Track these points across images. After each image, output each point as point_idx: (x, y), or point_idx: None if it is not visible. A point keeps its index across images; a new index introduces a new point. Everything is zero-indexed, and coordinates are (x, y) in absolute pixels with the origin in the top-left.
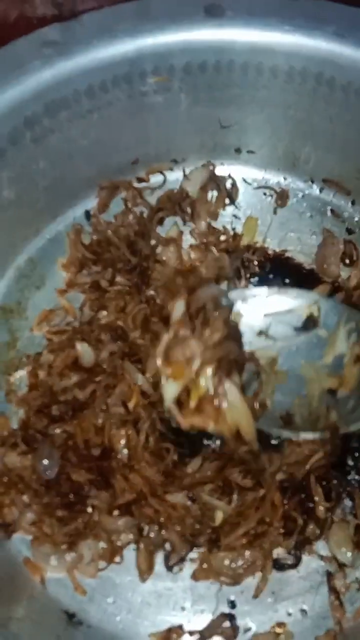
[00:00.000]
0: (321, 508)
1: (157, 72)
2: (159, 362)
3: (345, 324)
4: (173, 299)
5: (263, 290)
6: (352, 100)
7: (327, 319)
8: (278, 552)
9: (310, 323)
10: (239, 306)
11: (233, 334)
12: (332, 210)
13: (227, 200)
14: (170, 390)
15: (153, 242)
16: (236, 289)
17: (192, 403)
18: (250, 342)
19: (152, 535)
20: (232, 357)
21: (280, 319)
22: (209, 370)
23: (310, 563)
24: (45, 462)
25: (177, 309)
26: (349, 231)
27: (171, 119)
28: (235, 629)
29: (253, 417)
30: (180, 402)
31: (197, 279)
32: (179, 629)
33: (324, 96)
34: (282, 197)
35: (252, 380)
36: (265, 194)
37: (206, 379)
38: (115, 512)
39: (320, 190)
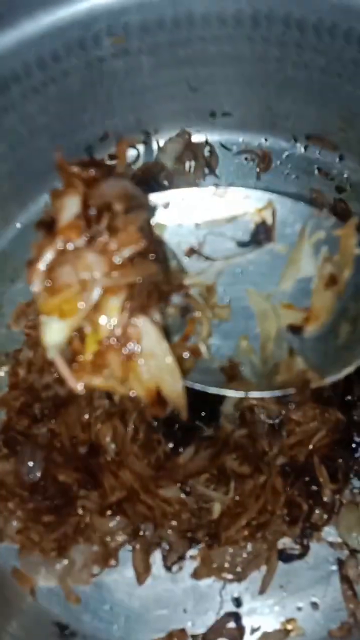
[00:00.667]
0: (327, 491)
1: (111, 32)
2: (35, 287)
3: (312, 235)
4: (63, 196)
5: (194, 191)
6: (326, 40)
7: (285, 228)
8: (283, 542)
9: (261, 235)
10: (161, 214)
11: (153, 249)
12: (318, 169)
13: (206, 170)
14: (54, 332)
15: None
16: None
17: (89, 352)
18: (177, 263)
19: (147, 534)
20: (151, 284)
21: (219, 230)
22: (114, 302)
23: (319, 551)
24: (30, 464)
25: (68, 207)
26: (339, 189)
27: (135, 85)
28: (241, 629)
29: (180, 372)
30: (72, 350)
31: (100, 169)
32: (181, 633)
33: (295, 40)
34: (264, 160)
35: (179, 318)
36: (246, 158)
37: (110, 316)
38: (107, 513)
39: (305, 148)
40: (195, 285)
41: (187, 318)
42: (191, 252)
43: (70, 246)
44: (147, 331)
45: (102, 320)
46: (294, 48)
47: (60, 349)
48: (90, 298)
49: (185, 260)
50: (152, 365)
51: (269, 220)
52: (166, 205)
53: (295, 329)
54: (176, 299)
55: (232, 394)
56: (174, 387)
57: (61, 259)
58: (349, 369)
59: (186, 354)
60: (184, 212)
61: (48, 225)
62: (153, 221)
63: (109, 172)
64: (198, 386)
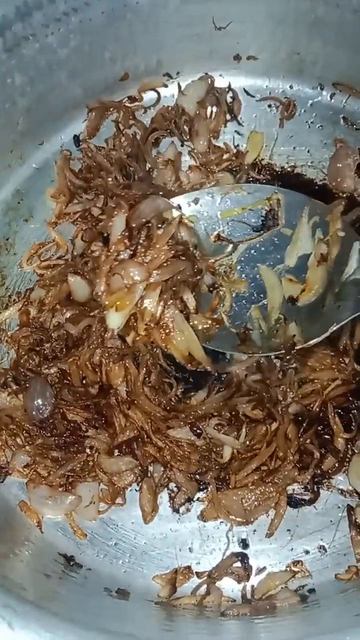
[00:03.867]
0: (340, 439)
1: None
2: (100, 291)
3: (309, 219)
4: (112, 215)
5: (216, 189)
6: None
7: (290, 215)
8: (293, 488)
9: (270, 220)
10: (192, 209)
11: (183, 250)
12: (344, 118)
13: (228, 116)
14: (114, 321)
15: (148, 166)
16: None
17: (141, 329)
18: (207, 248)
19: (155, 475)
20: (181, 278)
21: (237, 218)
22: (153, 295)
23: (328, 498)
24: (38, 401)
25: (117, 226)
26: None
27: (159, 21)
28: (247, 568)
29: (207, 338)
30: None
31: (140, 189)
32: (186, 570)
33: None
34: (288, 107)
35: (208, 293)
36: (270, 105)
37: (152, 305)
38: (116, 453)
39: (331, 97)
40: (220, 265)
41: (214, 293)
42: (217, 237)
43: (119, 258)
44: (175, 316)
45: (147, 308)
46: None
47: (120, 330)
48: (135, 296)
49: (212, 245)
50: (181, 338)
51: (276, 207)
52: (196, 201)
53: (293, 301)
54: (206, 278)
55: (242, 354)
56: (198, 352)
57: (113, 269)
58: (327, 334)
59: (209, 325)
60: (209, 206)
61: (105, 239)
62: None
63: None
64: (219, 348)
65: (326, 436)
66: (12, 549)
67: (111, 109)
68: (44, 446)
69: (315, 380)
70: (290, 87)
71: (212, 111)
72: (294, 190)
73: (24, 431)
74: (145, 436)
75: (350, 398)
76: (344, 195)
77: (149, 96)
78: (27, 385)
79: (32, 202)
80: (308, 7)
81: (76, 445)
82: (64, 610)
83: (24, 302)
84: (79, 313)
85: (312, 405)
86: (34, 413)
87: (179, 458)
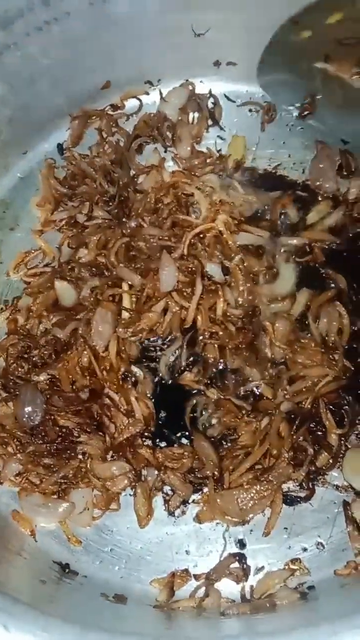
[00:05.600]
0: (333, 435)
1: None
2: None
3: None
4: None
5: None
6: None
7: None
8: (289, 486)
9: None
10: None
11: None
12: None
13: (209, 121)
14: None
15: (132, 172)
16: None
17: None
18: None
19: (149, 479)
20: None
21: None
22: None
23: (324, 495)
24: (29, 408)
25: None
26: (344, 141)
27: (139, 30)
28: (245, 569)
29: None
30: None
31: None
32: (183, 573)
33: None
34: (268, 111)
35: None
36: (250, 110)
37: None
38: (109, 457)
39: None
40: None
41: None
42: None
43: None
44: None
45: None
46: None
47: None
48: None
49: None
50: None
51: None
52: None
53: None
54: None
55: None
56: None
57: None
58: None
59: None
60: None
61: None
62: None
63: None
64: None
65: (319, 433)
66: (6, 558)
67: (94, 117)
68: (36, 453)
69: (306, 377)
70: None
71: (194, 117)
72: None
73: (15, 439)
74: (140, 438)
75: (342, 394)
76: (326, 195)
77: (131, 104)
78: (17, 392)
79: (17, 211)
80: (284, 14)
81: (68, 452)
82: (60, 611)
83: (12, 311)
84: (66, 317)
85: (303, 403)
86: (24, 420)
87: (172, 458)
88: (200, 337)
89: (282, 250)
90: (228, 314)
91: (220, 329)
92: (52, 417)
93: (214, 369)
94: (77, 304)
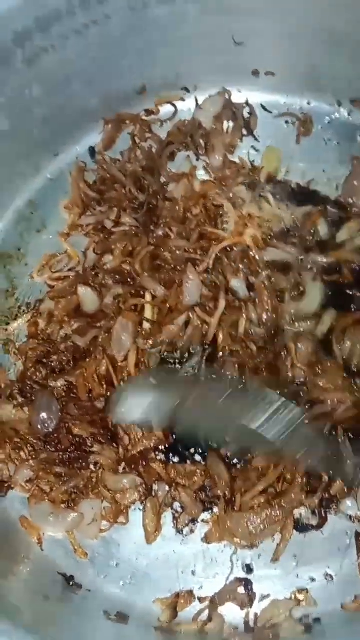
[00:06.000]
0: (349, 463)
1: None
2: None
3: None
4: None
5: None
6: None
7: None
8: (300, 513)
9: None
10: None
11: None
12: None
13: (244, 131)
14: None
15: (163, 180)
16: None
17: None
18: None
19: (160, 494)
20: None
21: None
22: None
23: (336, 524)
24: (44, 415)
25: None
26: None
27: (179, 35)
28: (251, 595)
29: None
30: None
31: None
32: (188, 595)
33: None
34: (305, 124)
35: None
36: (287, 122)
37: None
38: (120, 470)
39: (349, 114)
40: None
41: None
42: None
43: None
44: None
45: None
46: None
47: None
48: None
49: None
50: None
51: None
52: None
53: None
54: None
55: None
56: None
57: None
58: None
59: None
60: None
61: None
62: None
63: None
64: None
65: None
66: (11, 567)
67: (127, 122)
68: (48, 461)
69: (325, 402)
70: (308, 103)
71: (228, 126)
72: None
73: (28, 445)
74: (153, 452)
75: None
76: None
77: (165, 110)
78: (33, 398)
79: (46, 213)
80: (328, 24)
81: (80, 461)
82: (61, 635)
83: (33, 314)
84: (87, 325)
85: (321, 428)
86: (39, 427)
87: (185, 475)
88: (220, 354)
89: (309, 268)
90: (250, 332)
91: (241, 347)
92: (67, 425)
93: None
94: (99, 311)
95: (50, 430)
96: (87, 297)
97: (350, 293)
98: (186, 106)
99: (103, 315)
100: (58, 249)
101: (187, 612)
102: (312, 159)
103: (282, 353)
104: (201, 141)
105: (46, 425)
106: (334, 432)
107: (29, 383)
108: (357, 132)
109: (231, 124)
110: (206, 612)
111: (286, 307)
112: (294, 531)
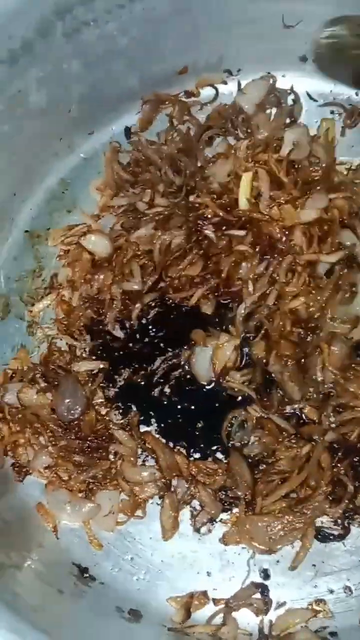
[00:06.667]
0: None
1: None
2: None
3: None
4: None
5: None
6: None
7: None
8: (322, 521)
9: None
10: None
11: None
12: None
13: (287, 119)
14: None
15: (199, 164)
16: None
17: None
18: None
19: (179, 490)
20: None
21: None
22: None
23: (359, 536)
24: (69, 401)
25: None
26: None
27: (225, 16)
28: (267, 601)
29: None
30: None
31: None
32: (202, 596)
33: None
34: (351, 115)
35: None
36: (332, 112)
37: None
38: (139, 462)
39: None
40: None
41: None
42: None
43: None
44: None
45: None
46: None
47: None
48: None
49: None
50: None
51: None
52: None
53: None
54: None
55: None
56: None
57: None
58: None
59: None
60: None
61: None
62: None
63: None
64: None
65: None
66: (25, 556)
67: (166, 103)
68: (68, 448)
69: (356, 408)
70: (357, 94)
71: (271, 113)
72: None
73: (49, 431)
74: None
75: None
76: None
77: (206, 92)
78: (56, 383)
79: (77, 193)
80: None
81: (100, 451)
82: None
83: (57, 292)
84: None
85: (349, 434)
86: (64, 414)
87: (205, 473)
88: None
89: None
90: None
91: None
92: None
93: (261, 378)
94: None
95: (76, 417)
96: (97, 243)
97: None
98: (228, 89)
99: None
100: None
101: (200, 614)
102: (357, 153)
103: (315, 352)
104: (242, 126)
105: (71, 412)
106: None
107: (52, 367)
108: None
109: (274, 110)
110: (220, 615)
111: (335, 305)
112: (315, 540)
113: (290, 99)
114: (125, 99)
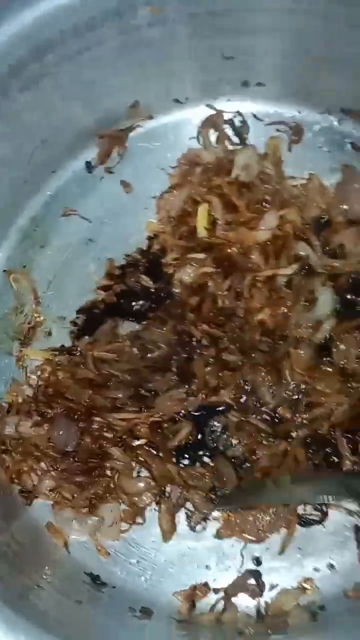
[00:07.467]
0: (347, 462)
1: (149, 2)
2: None
3: None
4: None
5: None
6: None
7: None
8: (305, 509)
9: None
10: None
11: None
12: (351, 144)
13: (236, 140)
14: None
15: None
16: None
17: None
18: None
19: (172, 495)
20: None
21: None
22: None
23: (337, 518)
24: (63, 435)
25: None
26: None
27: (170, 54)
28: (261, 585)
29: None
30: None
31: None
32: (204, 587)
33: (338, 16)
34: (296, 132)
35: None
36: (278, 130)
37: None
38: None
39: (339, 122)
40: None
41: None
42: None
43: None
44: None
45: None
46: (337, 24)
47: None
48: None
49: None
50: None
51: None
52: None
53: None
54: None
55: None
56: None
57: None
58: None
59: None
60: None
61: None
62: None
63: None
64: None
65: (334, 458)
66: (41, 573)
67: (120, 136)
68: (68, 471)
69: (323, 405)
70: (299, 112)
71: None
72: None
73: (49, 458)
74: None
75: (358, 421)
76: (353, 219)
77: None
78: (50, 417)
79: (47, 229)
80: (321, 44)
81: (97, 470)
82: None
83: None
84: None
85: (320, 429)
86: (61, 446)
87: (195, 478)
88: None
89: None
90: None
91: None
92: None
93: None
94: None
95: (72, 449)
96: None
97: (349, 298)
98: (179, 116)
99: None
100: (61, 265)
101: (204, 603)
102: (303, 167)
103: (283, 357)
104: None
105: (67, 445)
106: (332, 433)
107: (44, 401)
108: (346, 140)
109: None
110: (221, 602)
111: (299, 313)
112: (298, 526)
113: (237, 121)
114: (84, 137)
